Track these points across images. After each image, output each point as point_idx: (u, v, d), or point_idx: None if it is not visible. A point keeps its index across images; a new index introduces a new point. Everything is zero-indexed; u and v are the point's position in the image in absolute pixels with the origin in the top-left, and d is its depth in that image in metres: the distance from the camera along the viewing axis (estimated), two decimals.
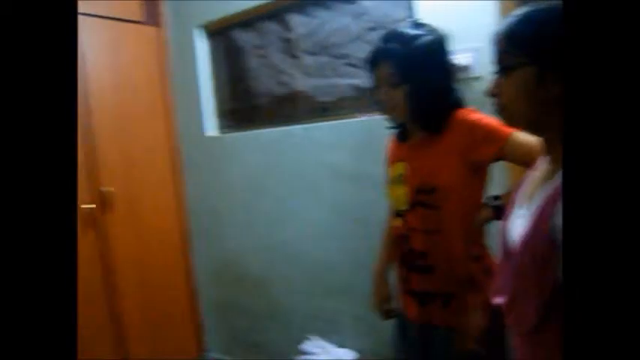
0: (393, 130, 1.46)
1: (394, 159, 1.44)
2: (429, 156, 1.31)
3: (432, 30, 1.30)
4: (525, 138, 1.14)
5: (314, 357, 2.19)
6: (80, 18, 2.27)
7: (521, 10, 0.78)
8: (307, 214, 2.34)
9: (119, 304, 2.44)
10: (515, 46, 0.77)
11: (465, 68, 1.73)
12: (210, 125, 2.71)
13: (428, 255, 1.31)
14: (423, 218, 1.31)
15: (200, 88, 2.68)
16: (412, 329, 1.40)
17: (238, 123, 2.67)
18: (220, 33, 2.65)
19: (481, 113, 1.27)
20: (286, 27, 2.38)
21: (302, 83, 2.36)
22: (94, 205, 2.36)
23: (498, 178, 1.41)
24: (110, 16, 2.47)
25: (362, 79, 2.11)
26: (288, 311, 2.49)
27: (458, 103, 1.32)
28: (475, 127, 1.24)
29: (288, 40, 2.38)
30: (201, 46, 2.68)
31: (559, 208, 0.69)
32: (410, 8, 1.93)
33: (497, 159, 1.23)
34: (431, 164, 1.30)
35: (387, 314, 1.55)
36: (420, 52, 1.26)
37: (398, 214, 1.40)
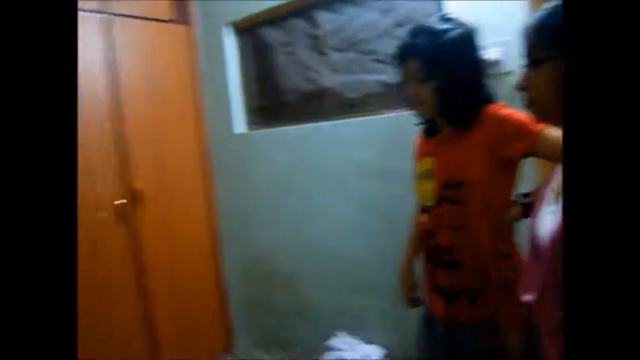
0: (420, 126, 1.45)
1: (422, 154, 1.43)
2: (457, 151, 1.29)
3: (460, 24, 1.28)
4: (557, 134, 1.12)
5: (341, 353, 2.20)
6: (112, 19, 2.30)
7: (550, 4, 0.77)
8: (334, 211, 2.35)
9: (151, 306, 2.44)
10: (544, 39, 0.76)
11: (495, 63, 1.70)
12: (239, 122, 2.73)
13: (454, 251, 1.30)
14: (449, 214, 1.30)
15: (229, 86, 2.70)
16: (438, 326, 1.40)
17: (266, 120, 2.69)
18: (248, 30, 2.68)
19: (512, 108, 1.25)
20: (314, 24, 2.39)
21: (329, 80, 2.36)
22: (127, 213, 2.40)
23: (528, 174, 1.39)
24: (142, 15, 2.48)
25: (389, 75, 2.10)
26: (316, 308, 2.50)
27: (487, 98, 1.29)
28: (506, 123, 1.21)
29: (315, 37, 2.39)
30: (230, 44, 2.71)
31: None
32: (438, 3, 1.91)
33: (528, 155, 1.21)
34: (458, 159, 1.28)
35: (414, 302, 1.55)
36: (447, 47, 1.24)
37: (424, 209, 1.39)
